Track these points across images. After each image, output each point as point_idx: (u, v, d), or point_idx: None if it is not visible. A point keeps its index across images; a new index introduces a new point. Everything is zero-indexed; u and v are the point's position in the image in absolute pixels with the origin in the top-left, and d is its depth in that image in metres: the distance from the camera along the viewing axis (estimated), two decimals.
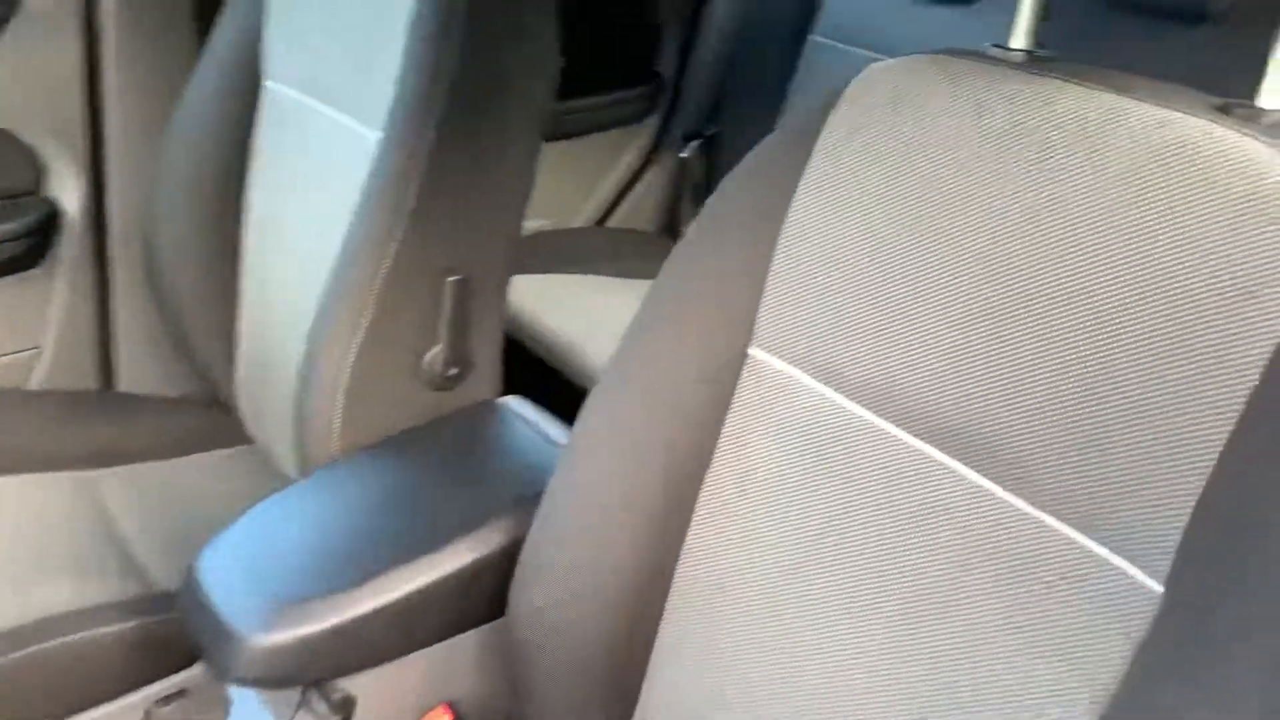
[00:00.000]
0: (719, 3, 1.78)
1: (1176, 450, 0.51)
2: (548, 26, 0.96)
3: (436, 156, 0.92)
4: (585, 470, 0.76)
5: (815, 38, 1.65)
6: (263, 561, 0.82)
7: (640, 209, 1.88)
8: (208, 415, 1.28)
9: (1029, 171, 0.57)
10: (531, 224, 1.60)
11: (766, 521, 0.70)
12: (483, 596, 0.83)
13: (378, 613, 0.79)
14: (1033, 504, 0.56)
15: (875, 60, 0.61)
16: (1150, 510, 0.52)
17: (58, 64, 1.28)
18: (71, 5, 1.27)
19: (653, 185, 1.87)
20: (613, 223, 1.87)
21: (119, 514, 1.11)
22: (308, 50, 1.09)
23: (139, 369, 1.42)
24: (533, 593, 0.77)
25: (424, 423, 0.98)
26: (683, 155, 1.79)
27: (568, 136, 1.75)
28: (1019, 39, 0.65)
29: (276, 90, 1.14)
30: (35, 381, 1.36)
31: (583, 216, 1.85)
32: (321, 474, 0.92)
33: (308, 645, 0.77)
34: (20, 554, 0.99)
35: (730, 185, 0.73)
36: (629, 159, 1.85)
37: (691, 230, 0.74)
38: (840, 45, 1.61)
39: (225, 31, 1.18)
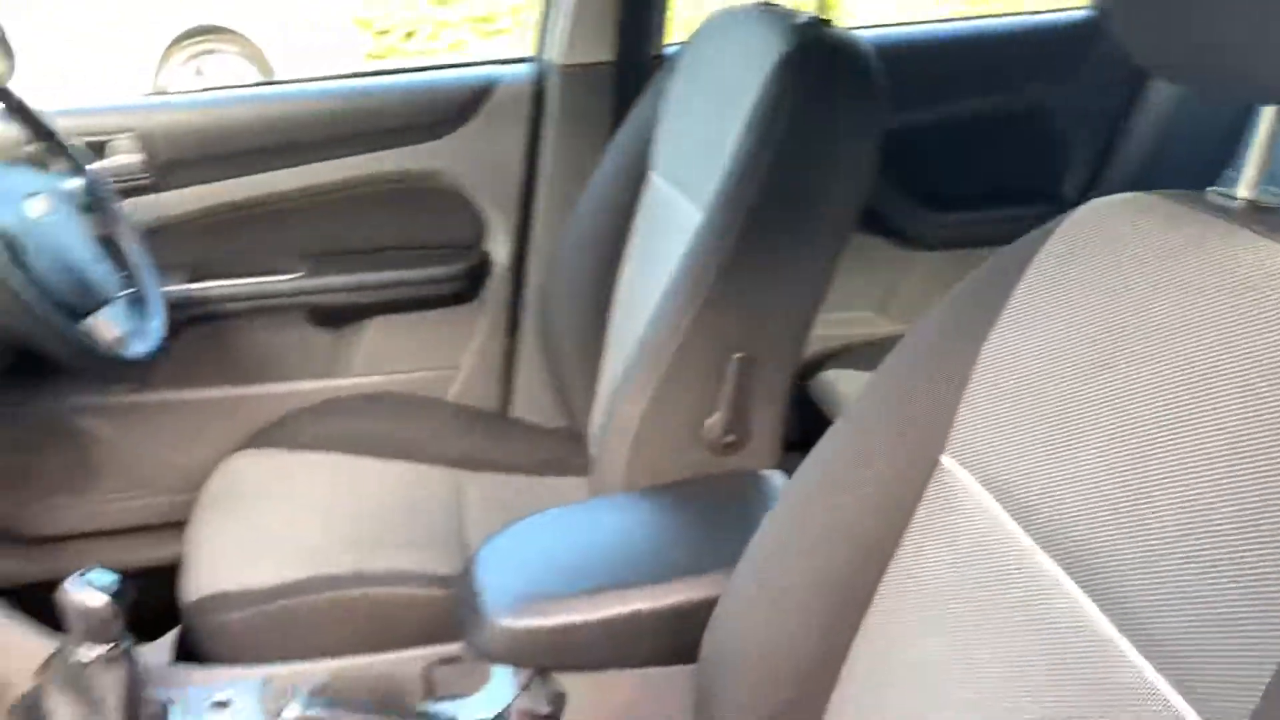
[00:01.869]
0: (1134, 142, 1.72)
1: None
2: (865, 149, 1.05)
3: (742, 242, 1.04)
4: (776, 545, 0.82)
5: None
6: (524, 561, 0.98)
7: None
8: (568, 446, 1.50)
9: (1237, 333, 0.56)
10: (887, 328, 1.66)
11: (926, 626, 0.71)
12: (687, 638, 0.91)
13: (597, 623, 0.91)
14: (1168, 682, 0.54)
15: None
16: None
17: (508, 146, 1.59)
18: (526, 103, 1.58)
19: None
20: None
21: (470, 509, 1.35)
22: (677, 143, 1.28)
23: (529, 399, 1.70)
24: (717, 645, 0.85)
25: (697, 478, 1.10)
26: None
27: (954, 247, 1.78)
28: (1244, 186, 0.62)
29: (655, 179, 1.34)
30: (450, 395, 1.68)
31: None
32: (595, 501, 1.07)
33: (534, 636, 0.91)
34: (378, 519, 1.26)
35: (952, 295, 0.76)
36: None
37: (909, 335, 0.79)
38: None
39: (628, 127, 1.41)
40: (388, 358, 1.65)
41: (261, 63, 5.29)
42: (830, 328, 1.56)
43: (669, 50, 1.60)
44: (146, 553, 1.51)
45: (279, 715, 0.99)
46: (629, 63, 1.55)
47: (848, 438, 0.79)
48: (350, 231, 1.60)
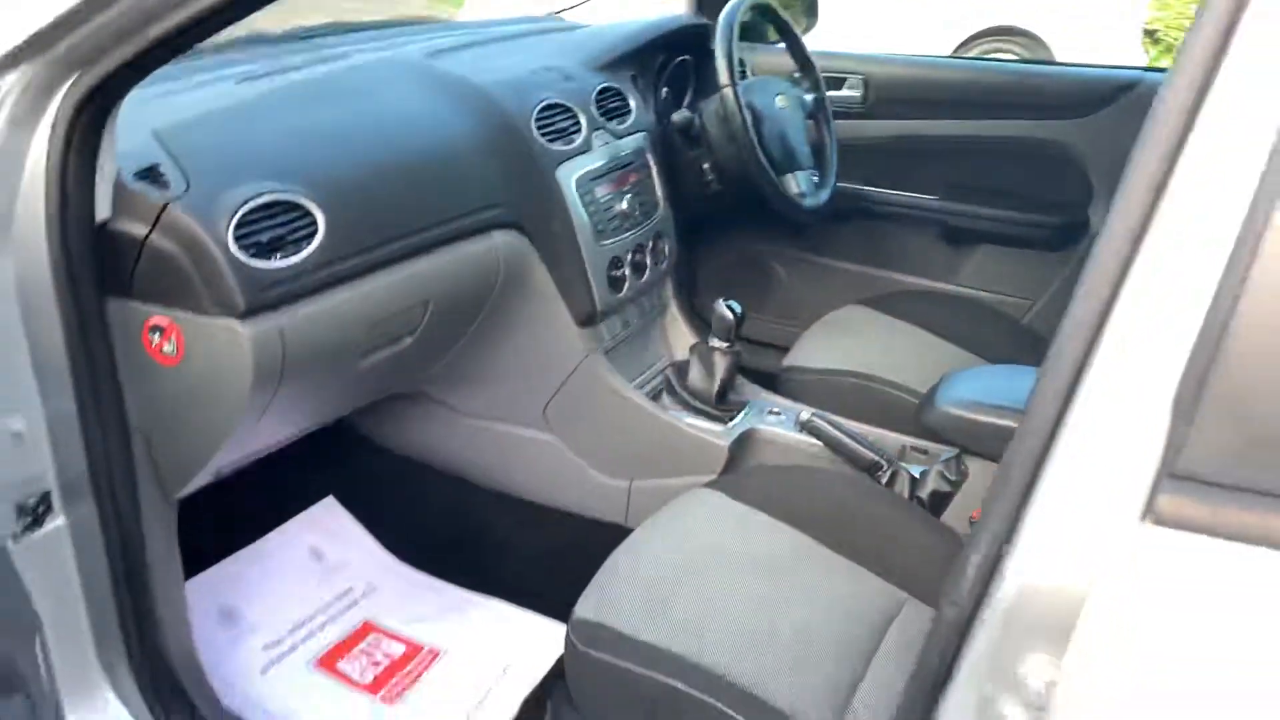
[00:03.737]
0: None
1: None
2: None
3: None
4: None
5: None
6: (967, 385, 1.43)
7: None
8: None
9: None
10: None
11: None
12: None
13: (994, 427, 1.33)
14: None
15: None
16: None
17: (1131, 134, 1.92)
18: None
19: None
20: None
21: None
22: None
23: None
24: None
25: None
26: None
27: None
28: None
29: None
30: (1024, 319, 2.10)
31: None
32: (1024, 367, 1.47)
33: (956, 421, 1.36)
34: (903, 362, 1.75)
35: None
36: None
37: None
38: None
39: None
40: (982, 277, 2.13)
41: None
42: None
43: None
44: (764, 362, 2.20)
45: (799, 417, 1.60)
46: None
47: None
48: (982, 174, 2.09)
